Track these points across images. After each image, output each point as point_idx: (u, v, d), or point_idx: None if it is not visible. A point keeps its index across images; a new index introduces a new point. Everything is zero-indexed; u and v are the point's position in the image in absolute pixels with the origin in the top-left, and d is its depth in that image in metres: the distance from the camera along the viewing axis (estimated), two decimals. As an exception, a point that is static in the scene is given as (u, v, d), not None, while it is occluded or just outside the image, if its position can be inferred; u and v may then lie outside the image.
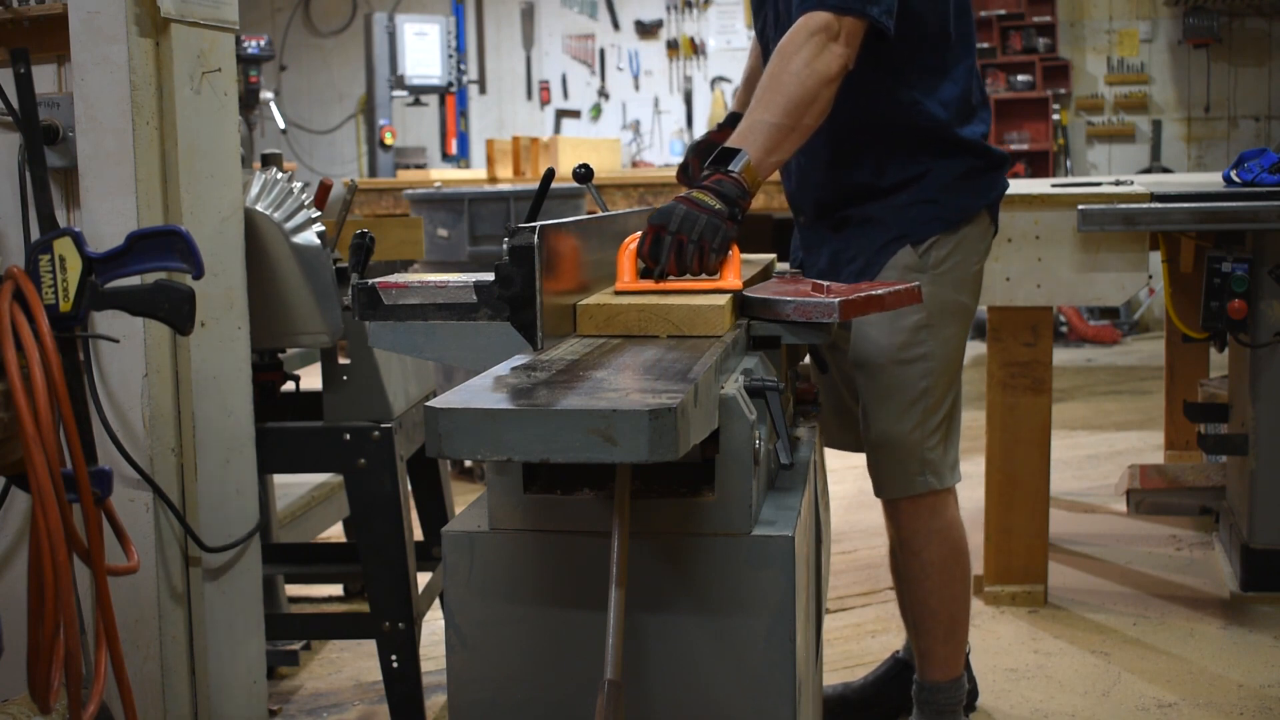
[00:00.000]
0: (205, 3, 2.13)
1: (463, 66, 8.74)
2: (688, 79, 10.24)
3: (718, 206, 1.93)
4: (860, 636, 3.39)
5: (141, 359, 2.04)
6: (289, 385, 2.70)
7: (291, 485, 3.40)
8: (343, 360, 2.51)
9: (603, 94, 10.40)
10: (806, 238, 2.51)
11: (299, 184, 2.43)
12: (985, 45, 9.37)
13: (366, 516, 2.51)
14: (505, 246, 1.67)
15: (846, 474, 4.76)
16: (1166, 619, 3.40)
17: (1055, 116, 9.35)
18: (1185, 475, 4.09)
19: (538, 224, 1.64)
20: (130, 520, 2.02)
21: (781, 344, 1.91)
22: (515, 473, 1.63)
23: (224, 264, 2.21)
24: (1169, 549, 3.98)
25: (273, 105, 7.90)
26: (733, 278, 1.90)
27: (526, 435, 1.31)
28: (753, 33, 2.60)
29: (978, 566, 3.50)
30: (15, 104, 2.00)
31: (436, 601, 3.11)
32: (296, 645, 3.08)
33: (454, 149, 9.14)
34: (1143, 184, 3.72)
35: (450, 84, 8.14)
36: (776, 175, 2.27)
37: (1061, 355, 7.97)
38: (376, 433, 2.48)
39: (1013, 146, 9.41)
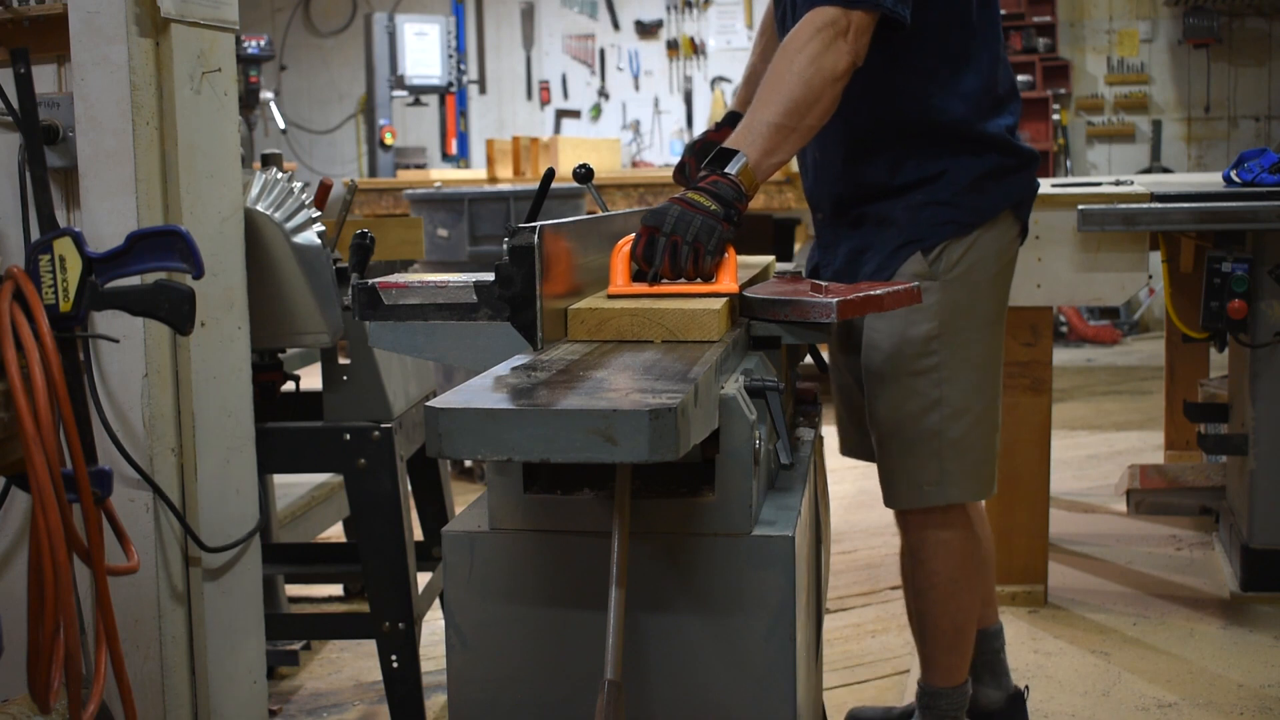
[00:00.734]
0: (205, 3, 2.13)
1: (463, 66, 8.74)
2: (688, 79, 10.24)
3: (713, 208, 1.89)
4: (860, 636, 3.39)
5: (141, 359, 2.04)
6: (289, 385, 2.70)
7: (291, 485, 3.40)
8: (343, 360, 2.51)
9: (603, 94, 10.40)
10: (824, 235, 2.45)
11: (299, 184, 2.43)
12: (985, 45, 9.37)
13: (366, 516, 2.51)
14: (505, 246, 1.67)
15: (846, 474, 4.75)
16: (1166, 619, 3.40)
17: (1055, 116, 9.35)
18: (1185, 475, 4.09)
19: (538, 224, 1.64)
20: (130, 520, 2.02)
21: (781, 344, 1.91)
22: (515, 473, 1.63)
23: (224, 264, 2.21)
24: (1169, 549, 3.98)
25: (273, 105, 7.90)
26: (729, 281, 1.87)
27: (527, 435, 1.31)
28: (754, 32, 2.59)
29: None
30: (15, 104, 2.00)
31: (436, 601, 3.11)
32: (296, 645, 3.08)
33: (454, 149, 9.14)
34: (1143, 184, 3.72)
35: (450, 84, 8.14)
36: (779, 174, 2.27)
37: (1061, 355, 7.97)
38: (376, 433, 2.48)
39: (1013, 146, 9.41)
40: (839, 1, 2.05)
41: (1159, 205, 3.16)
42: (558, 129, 10.36)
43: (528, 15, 10.45)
